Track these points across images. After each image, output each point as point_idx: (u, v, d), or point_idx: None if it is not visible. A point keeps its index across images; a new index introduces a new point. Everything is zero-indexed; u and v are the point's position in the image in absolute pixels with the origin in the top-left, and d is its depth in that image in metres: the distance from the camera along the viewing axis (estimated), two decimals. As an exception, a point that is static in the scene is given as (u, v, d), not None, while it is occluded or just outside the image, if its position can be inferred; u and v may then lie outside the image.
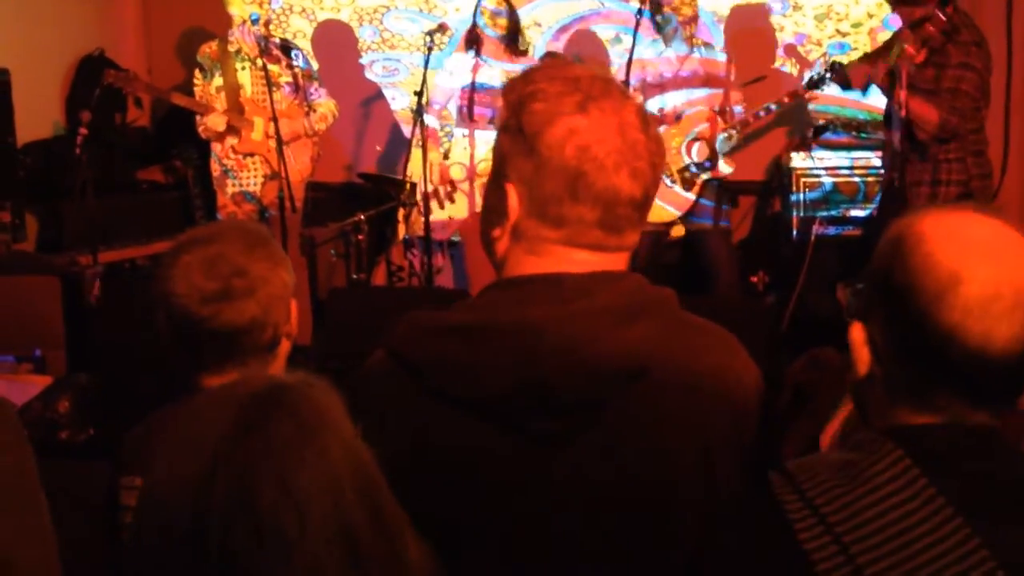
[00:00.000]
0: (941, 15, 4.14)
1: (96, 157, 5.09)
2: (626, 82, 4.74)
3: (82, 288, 4.70)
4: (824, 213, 5.43)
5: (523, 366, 1.25)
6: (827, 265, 5.01)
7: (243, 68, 5.16)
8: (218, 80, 5.14)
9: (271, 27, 5.57)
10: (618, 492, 1.29)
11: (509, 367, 1.25)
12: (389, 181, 5.57)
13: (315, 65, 5.50)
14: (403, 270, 5.57)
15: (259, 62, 5.06)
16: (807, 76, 5.16)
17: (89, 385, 3.68)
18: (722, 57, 5.20)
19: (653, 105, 5.10)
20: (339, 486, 1.07)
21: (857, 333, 1.20)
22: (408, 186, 5.29)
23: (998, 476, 1.12)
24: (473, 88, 5.35)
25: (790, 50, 6.08)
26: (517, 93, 1.33)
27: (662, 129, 5.00)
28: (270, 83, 4.91)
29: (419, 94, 5.12)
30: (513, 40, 5.40)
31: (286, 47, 5.26)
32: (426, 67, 5.10)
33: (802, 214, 5.48)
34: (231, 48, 5.17)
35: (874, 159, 5.37)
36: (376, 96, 6.51)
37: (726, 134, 5.01)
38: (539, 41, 6.31)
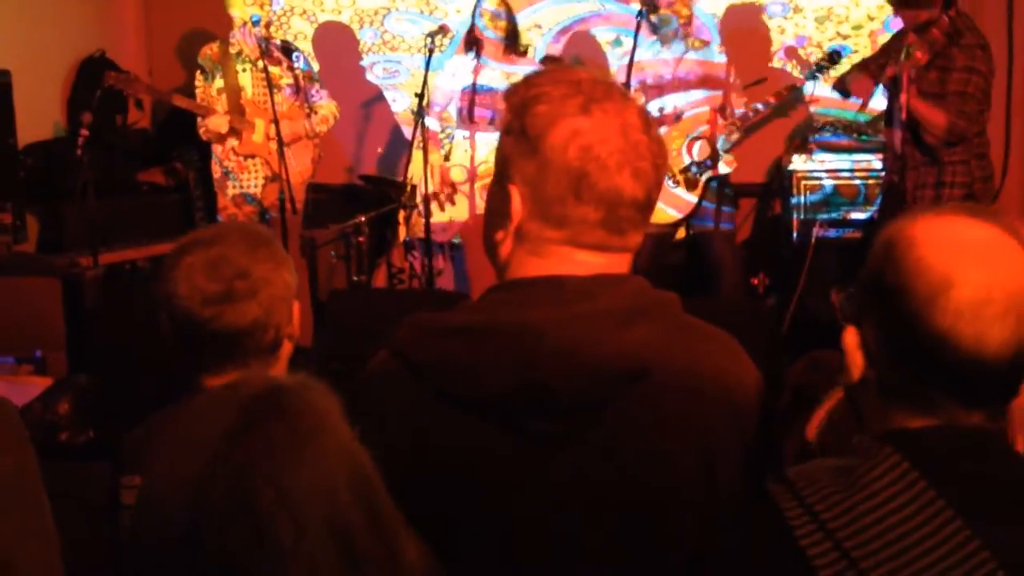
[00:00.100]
0: (945, 18, 4.16)
1: (97, 159, 5.09)
2: (627, 84, 4.74)
3: (83, 289, 4.70)
4: (824, 215, 5.44)
5: (524, 367, 1.25)
6: (827, 267, 5.01)
7: (244, 70, 5.17)
8: (219, 82, 5.14)
9: (272, 29, 5.57)
10: (618, 493, 1.29)
11: (510, 368, 1.26)
12: (390, 183, 5.57)
13: (316, 67, 5.50)
14: (404, 272, 5.57)
15: (260, 64, 5.06)
16: (808, 72, 5.18)
17: (89, 386, 3.68)
18: (722, 58, 5.21)
19: (653, 107, 5.11)
20: (335, 488, 1.07)
21: (851, 337, 1.21)
22: (408, 188, 5.30)
23: (996, 477, 1.13)
24: (474, 90, 5.35)
25: (791, 52, 6.08)
26: (520, 96, 1.34)
27: (663, 130, 5.01)
28: (271, 85, 4.91)
29: (420, 96, 5.12)
30: (512, 42, 5.40)
31: (287, 49, 5.26)
32: (427, 69, 5.10)
33: (803, 216, 5.48)
34: (232, 50, 5.17)
35: (875, 162, 5.37)
36: (377, 98, 6.52)
37: (727, 131, 5.01)
38: (539, 43, 6.31)
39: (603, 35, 6.27)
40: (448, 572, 1.26)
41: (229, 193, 5.21)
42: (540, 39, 6.33)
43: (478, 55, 5.35)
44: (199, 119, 5.13)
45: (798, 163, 5.57)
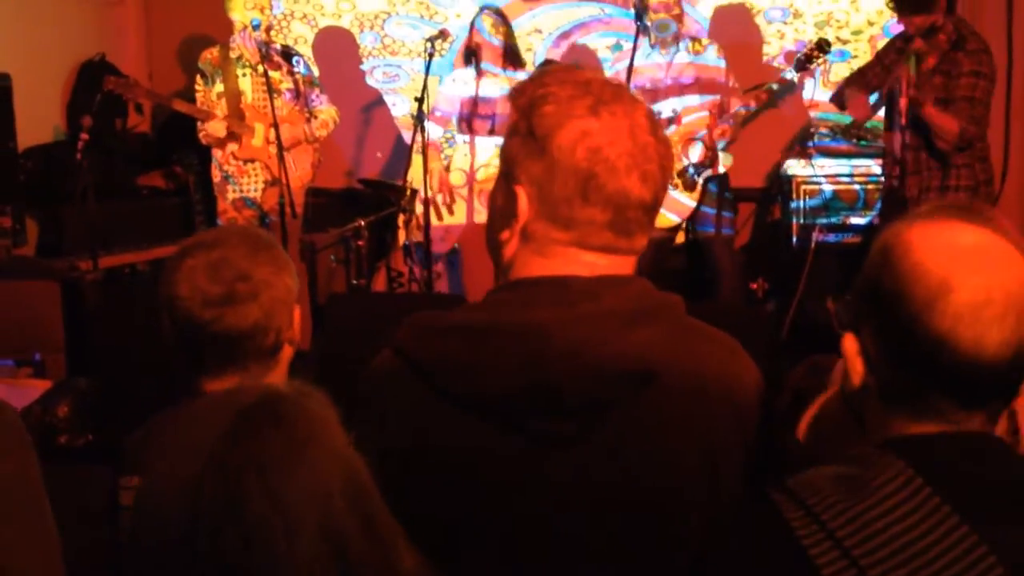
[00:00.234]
0: (950, 23, 4.18)
1: (97, 162, 5.09)
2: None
3: (82, 293, 4.70)
4: (824, 220, 5.44)
5: (529, 367, 1.25)
6: (827, 272, 5.02)
7: (244, 74, 5.17)
8: (219, 86, 5.14)
9: (272, 33, 5.57)
10: (622, 494, 1.29)
11: (515, 368, 1.26)
12: (389, 187, 5.58)
13: (316, 71, 5.51)
14: (403, 276, 5.57)
15: (260, 68, 5.06)
16: (796, 58, 5.17)
17: (88, 389, 3.68)
18: (720, 62, 5.22)
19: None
20: (329, 496, 1.07)
21: (850, 344, 1.21)
22: (408, 192, 5.30)
23: (998, 479, 1.13)
24: (475, 100, 5.36)
25: (790, 57, 6.08)
26: (528, 96, 1.34)
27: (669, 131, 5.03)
28: (271, 89, 4.91)
29: (420, 100, 5.13)
30: (511, 55, 5.43)
31: (287, 53, 5.26)
32: (427, 73, 5.11)
33: (802, 221, 5.49)
34: (232, 54, 5.17)
35: (874, 166, 5.38)
36: (377, 102, 6.52)
37: (720, 133, 5.02)
38: (539, 47, 6.32)
39: (603, 40, 6.27)
40: (449, 572, 1.26)
41: (229, 197, 5.20)
42: (540, 43, 6.33)
43: (478, 63, 5.36)
44: (199, 123, 5.13)
45: (797, 168, 5.58)
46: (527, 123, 1.32)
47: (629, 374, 1.27)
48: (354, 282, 5.30)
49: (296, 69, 5.23)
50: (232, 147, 5.17)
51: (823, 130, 5.73)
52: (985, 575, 1.06)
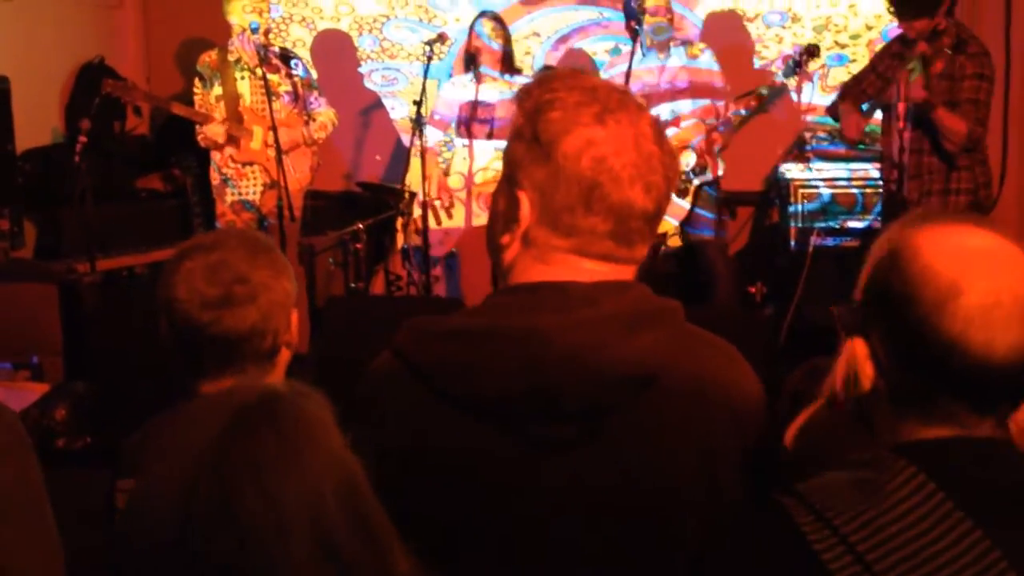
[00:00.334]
0: (953, 27, 4.20)
1: (95, 165, 5.09)
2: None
3: (80, 296, 4.70)
4: (822, 224, 5.45)
5: (529, 371, 1.25)
6: (825, 276, 5.02)
7: (242, 77, 5.17)
8: (217, 89, 5.14)
9: (271, 36, 5.57)
10: (621, 498, 1.29)
11: (515, 372, 1.26)
12: (388, 190, 5.58)
13: (314, 74, 5.51)
14: (401, 279, 5.57)
15: (259, 71, 5.07)
16: (786, 65, 5.19)
17: (86, 393, 3.68)
18: (715, 67, 5.23)
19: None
20: (323, 497, 1.07)
21: (860, 348, 1.21)
22: (407, 195, 5.30)
23: (1010, 484, 1.13)
24: (474, 104, 5.37)
25: (787, 61, 6.09)
26: (534, 100, 1.33)
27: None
28: (269, 92, 4.91)
29: (418, 104, 5.13)
30: (510, 59, 5.44)
31: (285, 56, 5.26)
32: (425, 77, 5.12)
33: (800, 225, 5.49)
34: (231, 57, 5.17)
35: (872, 170, 5.38)
36: (376, 105, 6.53)
37: (712, 140, 5.03)
38: (538, 51, 6.33)
39: (602, 44, 6.28)
40: (446, 574, 1.25)
41: (227, 200, 5.20)
42: (538, 47, 6.34)
43: (477, 68, 5.37)
44: (198, 126, 5.13)
45: (795, 172, 5.58)
46: (532, 128, 1.32)
47: (628, 378, 1.27)
48: (352, 285, 5.30)
49: (295, 72, 5.23)
50: (230, 150, 5.16)
51: (821, 134, 5.74)
52: None
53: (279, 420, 1.10)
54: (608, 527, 1.29)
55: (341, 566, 1.06)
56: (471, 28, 5.44)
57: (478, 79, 5.37)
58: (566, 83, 1.34)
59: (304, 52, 6.33)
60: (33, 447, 1.34)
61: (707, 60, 5.24)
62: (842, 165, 5.56)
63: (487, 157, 5.35)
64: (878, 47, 5.07)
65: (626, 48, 5.36)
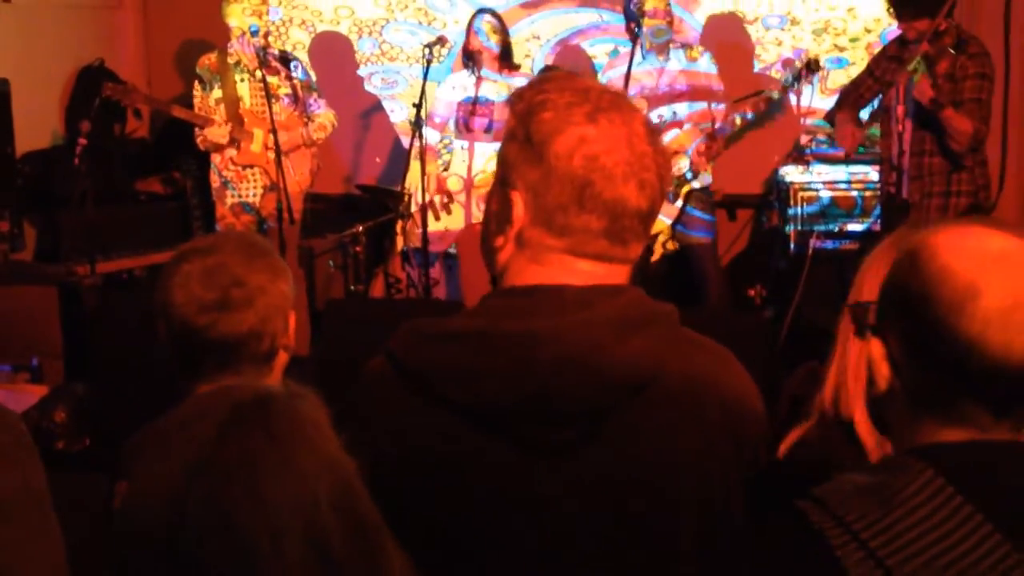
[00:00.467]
0: (954, 28, 4.21)
1: (95, 167, 5.09)
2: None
3: (80, 298, 4.70)
4: (821, 227, 5.45)
5: (523, 375, 1.25)
6: (824, 279, 5.02)
7: (242, 80, 5.17)
8: (217, 92, 5.14)
9: (270, 39, 5.57)
10: (617, 501, 1.29)
11: (510, 375, 1.26)
12: (387, 193, 5.58)
13: (314, 76, 5.51)
14: (401, 282, 5.57)
15: (258, 74, 5.07)
16: (785, 77, 5.19)
17: (86, 395, 3.69)
18: (714, 70, 5.24)
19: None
20: (315, 502, 1.07)
21: (876, 349, 1.20)
22: (406, 197, 5.30)
23: None
24: (474, 102, 5.37)
25: (788, 64, 6.09)
26: (526, 102, 1.34)
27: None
28: (269, 95, 4.91)
29: (418, 106, 5.13)
30: (506, 56, 5.44)
31: (285, 58, 5.27)
32: (425, 79, 5.12)
33: (799, 228, 5.49)
34: (230, 60, 5.18)
35: (871, 173, 5.38)
36: (375, 108, 6.53)
37: (707, 147, 5.04)
38: (537, 54, 6.33)
39: (602, 46, 6.28)
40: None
41: (227, 202, 5.21)
42: (538, 50, 6.34)
43: (477, 68, 5.37)
44: (197, 129, 5.13)
45: (795, 174, 5.58)
46: (525, 129, 1.32)
47: (624, 381, 1.27)
48: (352, 288, 5.31)
49: (294, 74, 5.24)
50: (231, 152, 5.17)
51: (820, 137, 5.74)
52: None
53: (272, 421, 1.10)
54: (604, 529, 1.29)
55: (334, 568, 1.06)
56: (469, 26, 5.44)
57: (477, 79, 5.37)
58: (558, 84, 1.34)
59: (303, 55, 6.34)
60: (37, 450, 1.34)
61: (706, 63, 5.24)
62: (841, 168, 5.56)
63: (486, 158, 5.35)
64: (877, 50, 5.07)
65: (624, 50, 5.36)
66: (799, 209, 5.53)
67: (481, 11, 5.52)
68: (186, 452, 1.07)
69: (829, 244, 5.33)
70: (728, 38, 6.09)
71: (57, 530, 1.33)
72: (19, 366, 4.01)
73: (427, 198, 5.17)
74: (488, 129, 5.37)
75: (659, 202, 1.34)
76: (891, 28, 5.41)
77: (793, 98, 5.23)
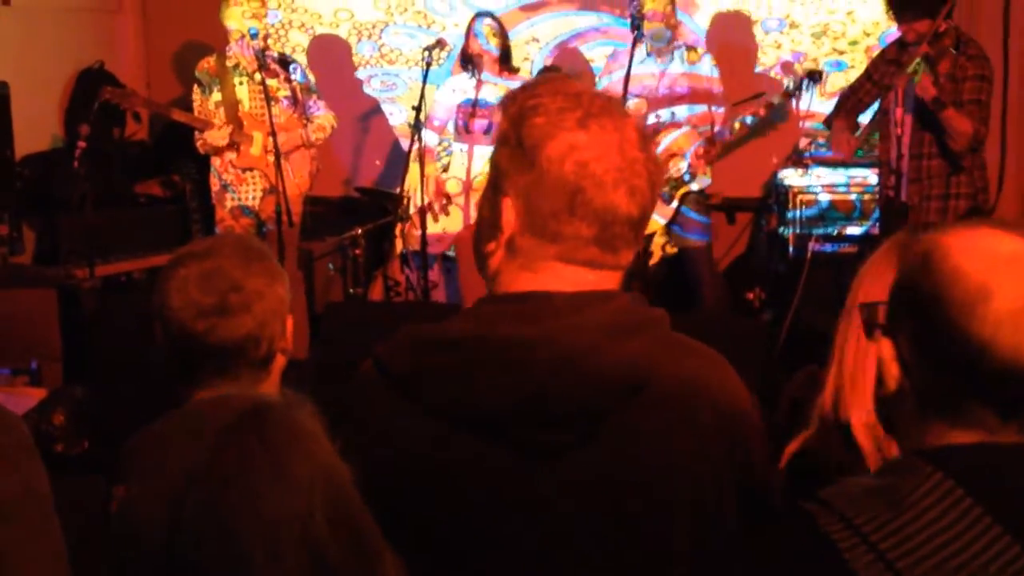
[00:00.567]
0: (954, 29, 4.22)
1: (94, 170, 5.09)
2: (624, 97, 4.75)
3: (79, 301, 4.70)
4: (820, 230, 5.45)
5: (515, 380, 1.25)
6: (823, 282, 5.02)
7: (241, 83, 5.17)
8: (216, 95, 5.14)
9: (269, 41, 5.57)
10: (613, 503, 1.29)
11: (502, 382, 1.25)
12: (386, 196, 5.58)
13: (313, 79, 5.51)
14: (400, 285, 5.58)
15: (257, 77, 5.06)
16: (787, 85, 5.20)
17: (85, 398, 3.68)
18: (715, 73, 5.24)
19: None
20: (311, 510, 1.07)
21: (886, 349, 1.20)
22: (405, 200, 5.31)
23: None
24: (474, 105, 5.37)
25: (787, 67, 6.10)
26: (518, 106, 1.33)
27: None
28: (268, 97, 4.91)
29: (417, 109, 5.13)
30: (505, 59, 5.44)
31: (284, 61, 5.27)
32: (424, 82, 5.12)
33: (798, 231, 5.49)
34: (229, 63, 5.17)
35: (870, 176, 5.38)
36: (374, 111, 6.53)
37: (706, 151, 5.05)
38: (536, 57, 6.33)
39: (602, 49, 6.28)
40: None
41: (227, 205, 5.20)
42: (537, 53, 6.34)
43: (478, 71, 5.38)
44: (197, 132, 5.13)
45: (794, 178, 5.59)
46: (516, 133, 1.32)
47: (619, 383, 1.27)
48: (351, 291, 5.31)
49: (293, 77, 5.24)
50: (230, 156, 5.16)
51: (820, 140, 5.75)
52: None
53: (269, 430, 1.10)
54: (600, 530, 1.29)
55: (330, 574, 1.06)
56: (469, 29, 5.44)
57: (477, 82, 5.38)
58: (550, 88, 1.33)
59: (302, 58, 6.34)
60: (38, 453, 1.34)
61: (707, 66, 5.24)
62: (840, 171, 5.57)
63: (485, 160, 5.34)
64: (876, 54, 5.08)
65: (620, 50, 5.36)
66: (798, 212, 5.53)
67: (481, 14, 5.53)
68: (184, 459, 1.07)
69: (828, 247, 5.34)
70: (733, 38, 6.09)
71: (58, 531, 1.33)
72: (18, 369, 4.01)
73: (426, 201, 5.17)
74: (488, 131, 5.36)
75: (650, 209, 1.34)
76: (890, 31, 5.41)
77: (792, 102, 5.23)
